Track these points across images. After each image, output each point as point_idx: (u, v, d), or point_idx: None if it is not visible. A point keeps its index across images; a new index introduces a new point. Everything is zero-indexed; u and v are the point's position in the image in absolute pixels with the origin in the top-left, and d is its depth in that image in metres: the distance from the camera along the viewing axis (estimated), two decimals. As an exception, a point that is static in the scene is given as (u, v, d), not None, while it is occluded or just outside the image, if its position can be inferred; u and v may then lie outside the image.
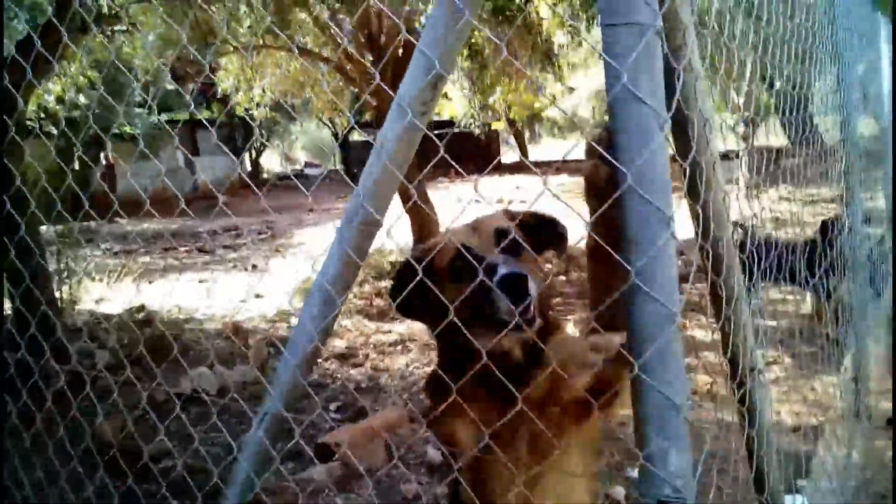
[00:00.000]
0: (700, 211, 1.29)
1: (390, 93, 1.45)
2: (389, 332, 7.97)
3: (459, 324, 1.41)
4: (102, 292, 9.67)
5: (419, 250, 1.69)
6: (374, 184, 1.46)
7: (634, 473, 4.25)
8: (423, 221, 10.54)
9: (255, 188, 9.14)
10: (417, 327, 8.00)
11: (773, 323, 4.81)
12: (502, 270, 1.45)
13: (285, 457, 1.81)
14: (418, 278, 1.44)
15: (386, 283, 9.99)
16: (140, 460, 3.77)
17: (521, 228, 1.66)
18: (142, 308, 8.57)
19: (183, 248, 14.42)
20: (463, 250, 1.51)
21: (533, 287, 1.47)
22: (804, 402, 3.19)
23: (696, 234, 1.44)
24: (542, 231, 1.72)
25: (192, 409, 5.66)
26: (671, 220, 1.08)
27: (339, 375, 6.61)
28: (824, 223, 5.42)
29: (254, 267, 12.45)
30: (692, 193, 1.26)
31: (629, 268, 1.10)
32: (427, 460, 4.62)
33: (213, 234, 16.31)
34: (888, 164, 5.79)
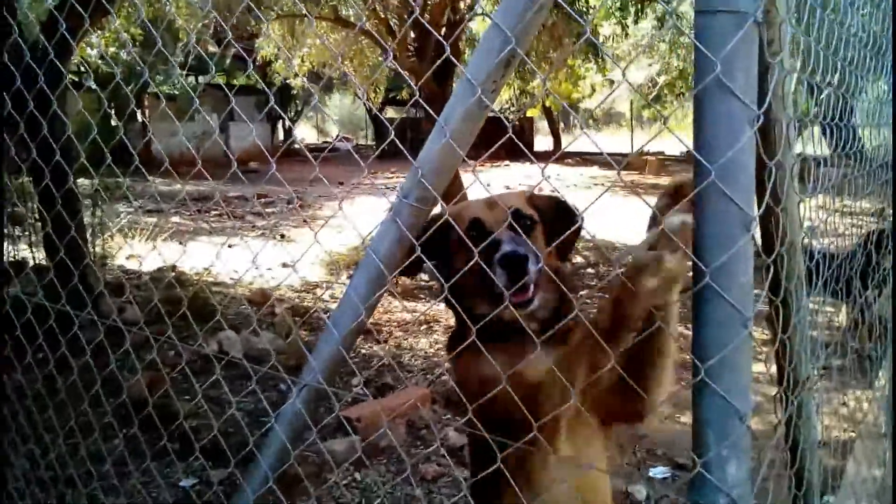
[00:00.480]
0: (780, 215, 1.23)
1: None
2: (414, 311, 7.96)
3: (464, 290, 1.51)
4: (134, 250, 9.78)
5: (437, 216, 1.70)
6: (434, 161, 1.43)
7: (656, 473, 4.22)
8: (451, 201, 10.48)
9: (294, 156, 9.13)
10: (442, 308, 8.00)
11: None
12: (505, 248, 1.49)
13: (306, 426, 1.78)
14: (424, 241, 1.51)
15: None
16: (169, 418, 3.83)
17: (538, 212, 1.70)
18: (174, 267, 8.66)
19: (214, 212, 14.55)
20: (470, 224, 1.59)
21: (533, 268, 1.50)
22: (835, 415, 3.11)
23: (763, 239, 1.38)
24: (558, 217, 1.73)
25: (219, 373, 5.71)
26: (753, 221, 1.04)
27: (362, 350, 6.62)
28: (880, 234, 5.20)
29: (282, 236, 12.52)
30: (773, 197, 1.21)
31: (703, 268, 1.06)
32: (448, 443, 4.62)
33: (242, 200, 16.41)
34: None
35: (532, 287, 1.54)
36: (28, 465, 3.34)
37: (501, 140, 1.32)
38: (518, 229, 1.56)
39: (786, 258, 1.27)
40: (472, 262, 1.41)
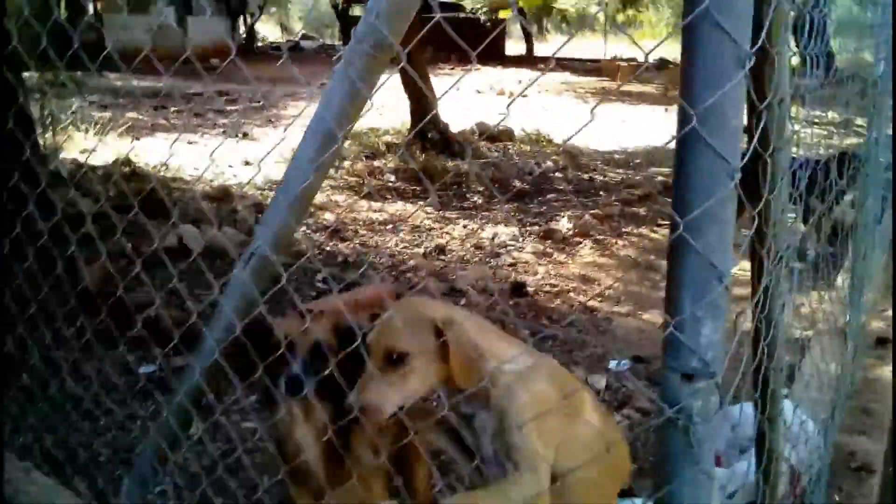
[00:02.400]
0: (769, 160, 1.13)
1: None
2: (381, 210, 7.85)
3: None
4: (88, 143, 9.38)
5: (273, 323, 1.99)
6: (389, 2, 1.27)
7: (614, 366, 4.29)
8: (420, 102, 10.20)
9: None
10: (410, 208, 7.90)
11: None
12: (291, 371, 1.93)
13: (271, 311, 1.73)
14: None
15: (378, 162, 9.79)
16: (123, 308, 3.73)
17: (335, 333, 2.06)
18: (128, 161, 8.34)
19: (173, 109, 13.97)
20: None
21: (308, 390, 1.94)
22: (795, 315, 3.17)
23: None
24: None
25: (178, 267, 5.58)
26: (735, 172, 0.94)
27: (327, 248, 6.53)
28: (842, 155, 5.18)
29: (245, 135, 12.12)
30: (762, 142, 1.11)
31: (690, 110, 0.95)
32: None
33: (203, 98, 15.77)
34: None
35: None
36: None
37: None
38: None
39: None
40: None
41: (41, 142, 7.88)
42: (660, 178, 9.50)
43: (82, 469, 2.93)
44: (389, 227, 7.30)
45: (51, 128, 8.72)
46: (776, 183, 1.38)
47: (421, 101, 10.13)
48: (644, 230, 7.23)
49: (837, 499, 2.83)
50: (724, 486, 2.54)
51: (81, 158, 8.97)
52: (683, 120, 0.96)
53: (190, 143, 10.84)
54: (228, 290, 1.63)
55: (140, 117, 12.77)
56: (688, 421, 1.08)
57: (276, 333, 1.97)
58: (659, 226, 7.33)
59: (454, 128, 10.96)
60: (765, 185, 1.35)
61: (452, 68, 22.30)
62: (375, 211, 7.83)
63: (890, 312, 4.63)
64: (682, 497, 1.12)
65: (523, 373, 1.68)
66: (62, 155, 8.80)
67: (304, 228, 7.07)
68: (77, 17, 17.03)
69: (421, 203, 8.19)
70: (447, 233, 7.08)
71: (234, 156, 9.68)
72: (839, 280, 4.15)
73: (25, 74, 7.39)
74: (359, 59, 1.31)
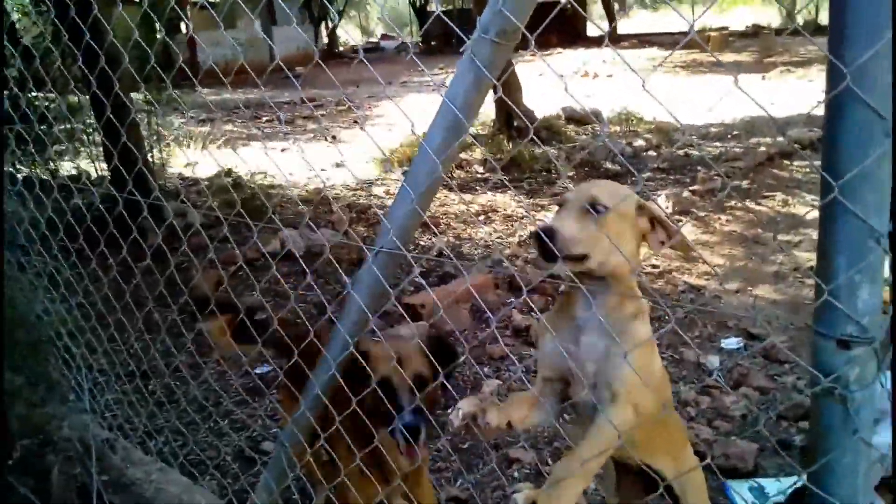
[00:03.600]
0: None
1: None
2: (472, 203, 7.88)
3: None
4: (190, 157, 9.88)
5: (364, 345, 1.99)
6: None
7: (728, 344, 4.14)
8: (506, 93, 10.16)
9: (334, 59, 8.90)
10: (500, 199, 7.89)
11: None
12: (406, 419, 1.93)
13: (384, 293, 1.77)
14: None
15: (466, 154, 9.83)
16: (234, 313, 3.91)
17: (427, 359, 2.06)
18: (230, 172, 8.73)
19: (265, 119, 14.52)
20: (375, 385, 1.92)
21: (423, 436, 1.96)
22: None
23: None
24: (439, 353, 2.07)
25: (281, 269, 5.81)
26: (890, 128, 0.90)
27: (420, 242, 6.62)
28: None
29: (333, 137, 12.44)
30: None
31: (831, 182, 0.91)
32: (514, 324, 4.62)
33: (292, 104, 16.29)
34: None
35: (418, 454, 2.00)
36: (105, 362, 3.47)
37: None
38: (416, 391, 1.97)
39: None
40: (380, 405, 1.91)
41: (150, 158, 8.38)
42: (762, 148, 9.08)
43: (208, 469, 3.09)
44: (481, 218, 7.32)
45: (157, 144, 9.24)
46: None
47: (506, 90, 10.10)
48: (749, 203, 6.93)
49: None
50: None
51: (186, 172, 9.48)
52: (834, 79, 0.92)
53: (283, 150, 11.24)
54: (358, 283, 1.69)
55: (235, 129, 13.35)
56: (845, 389, 1.04)
57: (376, 366, 1.96)
58: (764, 198, 7.01)
59: (539, 114, 10.86)
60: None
61: (533, 54, 22.08)
62: (466, 203, 7.87)
63: None
64: (842, 467, 1.08)
65: (643, 311, 1.68)
66: (169, 169, 9.33)
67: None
68: (173, 37, 17.95)
69: (511, 192, 8.17)
70: (540, 220, 7.03)
71: (324, 159, 9.97)
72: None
73: (133, 94, 7.90)
74: (484, 47, 1.31)
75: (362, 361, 1.87)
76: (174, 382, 3.80)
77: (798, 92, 13.15)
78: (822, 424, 1.08)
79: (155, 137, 9.18)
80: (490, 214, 7.42)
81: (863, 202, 0.95)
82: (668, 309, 4.75)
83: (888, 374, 2.28)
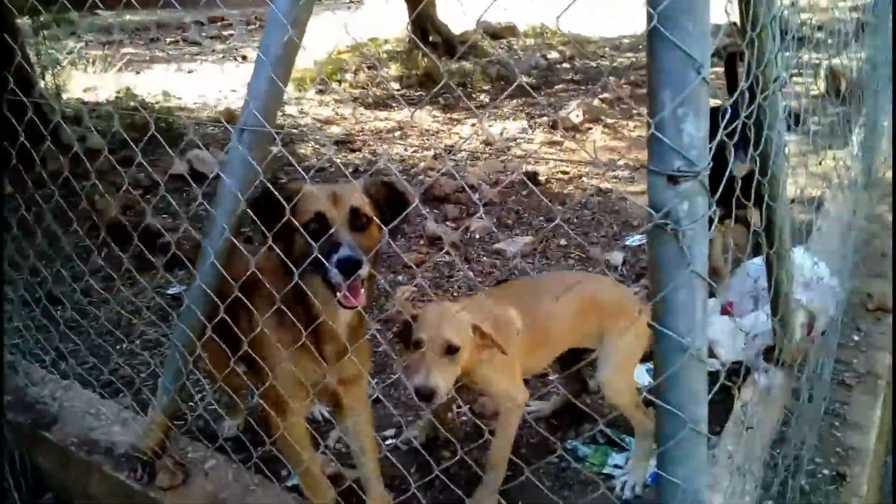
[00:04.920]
0: None
1: None
2: (387, 119, 7.76)
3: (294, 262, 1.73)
4: (88, 82, 9.31)
5: (287, 191, 1.79)
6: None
7: (632, 241, 4.30)
8: (417, 4, 9.88)
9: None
10: (417, 115, 7.79)
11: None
12: (343, 252, 1.67)
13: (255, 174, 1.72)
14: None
15: (377, 72, 9.61)
16: (148, 235, 3.78)
17: (372, 199, 1.86)
18: (131, 94, 8.28)
19: (168, 40, 13.73)
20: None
21: (363, 272, 1.71)
22: (807, 175, 3.13)
23: None
24: (390, 199, 1.89)
25: (191, 191, 5.63)
26: (702, 67, 0.91)
27: (337, 160, 6.51)
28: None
29: (244, 58, 11.92)
30: None
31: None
32: (427, 233, 4.66)
33: (198, 25, 15.43)
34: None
35: (361, 294, 1.76)
36: (10, 290, 3.34)
37: None
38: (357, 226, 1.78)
39: None
40: (311, 248, 1.65)
41: (43, 83, 7.84)
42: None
43: (122, 388, 3.05)
44: (397, 133, 7.24)
45: (50, 69, 8.64)
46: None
47: (418, 3, 9.82)
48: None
49: (856, 339, 2.88)
50: (745, 333, 2.58)
51: (85, 97, 8.93)
52: None
53: (190, 72, 10.71)
54: (227, 170, 1.64)
55: (137, 52, 12.59)
56: (676, 224, 1.08)
57: (304, 203, 1.74)
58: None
59: (455, 29, 10.66)
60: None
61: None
62: (382, 120, 7.75)
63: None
64: (677, 300, 1.13)
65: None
66: (65, 95, 8.77)
67: (311, 143, 7.04)
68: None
69: (428, 108, 8.08)
70: (456, 133, 7.01)
71: (235, 80, 9.56)
72: (853, 138, 4.08)
73: (19, 21, 7.31)
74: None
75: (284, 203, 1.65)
76: (84, 307, 3.69)
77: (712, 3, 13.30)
78: (657, 261, 1.13)
79: (49, 61, 8.59)
80: (406, 130, 7.34)
81: (682, 31, 0.97)
82: (576, 212, 4.88)
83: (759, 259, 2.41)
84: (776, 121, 1.53)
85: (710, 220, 1.11)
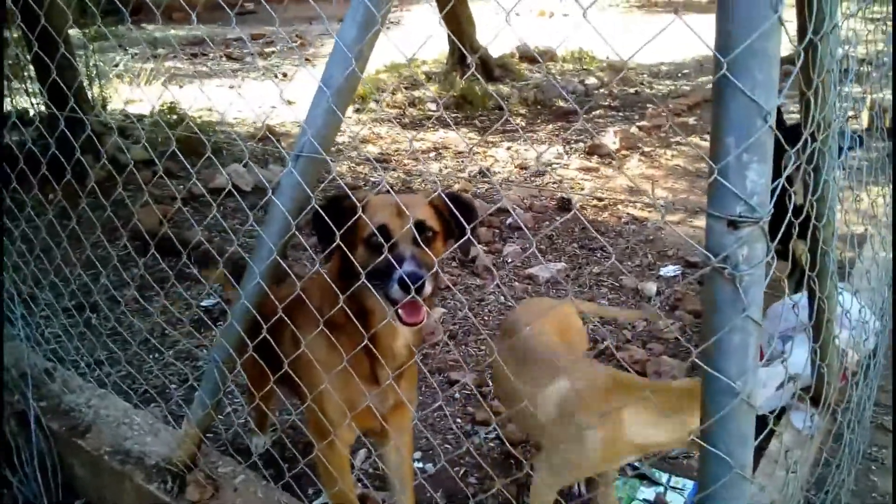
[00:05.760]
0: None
1: None
2: (423, 140, 7.82)
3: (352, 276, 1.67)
4: (133, 94, 9.53)
5: (349, 199, 1.72)
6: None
7: (666, 272, 4.26)
8: (459, 29, 9.98)
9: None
10: (452, 137, 7.84)
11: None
12: (407, 268, 1.60)
13: (306, 199, 1.71)
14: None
15: (418, 92, 9.70)
16: (184, 246, 3.83)
17: (438, 213, 1.79)
18: (173, 108, 8.46)
19: (212, 55, 14.03)
20: (376, 233, 1.68)
21: (428, 288, 1.63)
22: (854, 211, 3.08)
23: None
24: (458, 213, 1.73)
25: (228, 204, 5.72)
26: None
27: (371, 179, 6.57)
28: None
29: (284, 75, 12.11)
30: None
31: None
32: (459, 256, 4.66)
33: (241, 42, 15.74)
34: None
35: (423, 311, 1.68)
36: (52, 295, 3.41)
37: None
38: (420, 242, 1.69)
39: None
40: (373, 262, 1.63)
41: (88, 95, 8.05)
42: (710, 85, 9.16)
43: (155, 397, 3.09)
44: (432, 154, 7.28)
45: (97, 80, 8.88)
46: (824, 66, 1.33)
47: (459, 26, 9.92)
48: (694, 139, 7.04)
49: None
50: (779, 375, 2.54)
51: (128, 109, 9.15)
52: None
53: (231, 87, 10.91)
54: (279, 193, 1.67)
55: (180, 66, 12.88)
56: (734, 269, 1.08)
57: (367, 214, 1.67)
58: (708, 133, 7.11)
59: (493, 52, 10.74)
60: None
61: (488, -7, 21.65)
62: (418, 140, 7.81)
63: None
64: (731, 344, 1.12)
65: None
66: (110, 107, 8.99)
67: (346, 162, 7.12)
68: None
69: (464, 130, 8.12)
70: (491, 156, 7.03)
71: (275, 97, 9.71)
72: (897, 174, 4.01)
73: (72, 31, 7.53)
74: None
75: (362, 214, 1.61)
76: (120, 315, 3.76)
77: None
78: (712, 304, 1.13)
79: (95, 74, 8.83)
80: (441, 151, 7.39)
81: (751, 79, 0.97)
82: (611, 239, 4.85)
83: (803, 298, 2.37)
84: (834, 165, 1.52)
85: (768, 265, 1.10)
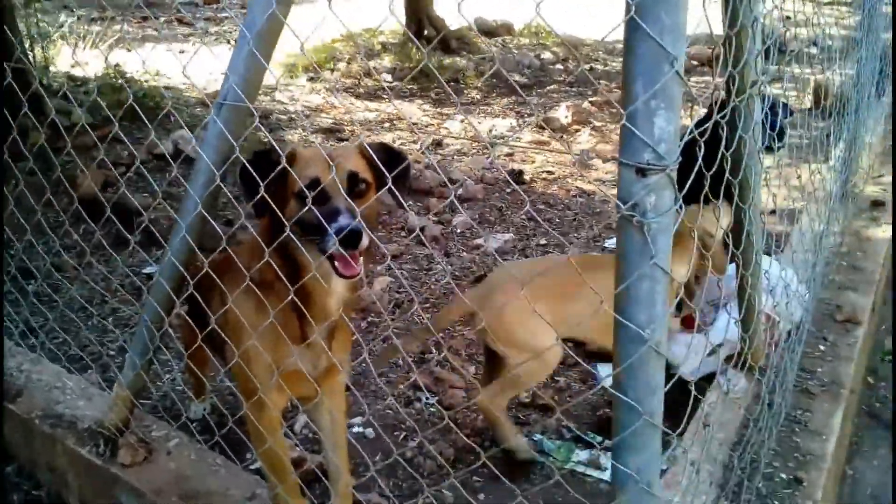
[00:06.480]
0: None
1: None
2: (377, 110, 7.74)
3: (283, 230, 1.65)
4: (77, 57, 9.19)
5: (275, 152, 1.66)
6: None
7: (611, 244, 4.32)
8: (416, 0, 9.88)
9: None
10: (406, 108, 7.77)
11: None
12: (342, 221, 1.57)
13: (231, 148, 1.65)
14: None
15: (374, 63, 9.58)
16: (126, 214, 3.74)
17: (368, 162, 1.75)
18: (120, 71, 8.19)
19: (161, 19, 13.61)
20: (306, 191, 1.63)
21: (366, 241, 1.60)
22: (787, 187, 3.17)
23: None
24: (387, 162, 1.70)
25: (174, 171, 5.58)
26: (676, 60, 0.92)
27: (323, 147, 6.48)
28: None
29: (236, 42, 11.83)
30: None
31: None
32: (408, 225, 4.66)
33: (192, 5, 15.31)
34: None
35: (360, 263, 1.66)
36: None
37: None
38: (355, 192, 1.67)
39: None
40: (305, 217, 1.58)
41: (31, 56, 7.74)
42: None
43: (90, 364, 3.03)
44: (386, 125, 7.22)
45: (40, 42, 8.54)
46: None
47: (416, -2, 9.81)
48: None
49: (822, 349, 2.91)
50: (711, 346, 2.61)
51: (73, 72, 8.83)
52: None
53: (181, 52, 10.61)
54: (203, 145, 1.63)
55: (129, 29, 12.47)
56: (642, 217, 1.09)
57: (297, 167, 1.63)
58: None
59: (451, 24, 10.65)
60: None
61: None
62: (372, 111, 7.73)
63: (886, 178, 4.61)
64: (639, 292, 1.14)
65: None
66: (53, 69, 8.66)
67: (300, 130, 7.01)
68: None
69: (419, 101, 8.06)
70: (445, 128, 7.00)
71: (227, 63, 9.49)
72: (834, 152, 4.14)
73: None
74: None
75: (287, 167, 1.57)
76: (58, 282, 3.66)
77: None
78: (622, 252, 1.14)
79: (38, 34, 8.48)
80: (396, 122, 7.32)
81: (658, 23, 0.98)
82: (558, 212, 4.90)
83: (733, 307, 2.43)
84: (751, 124, 1.55)
85: (677, 214, 1.12)
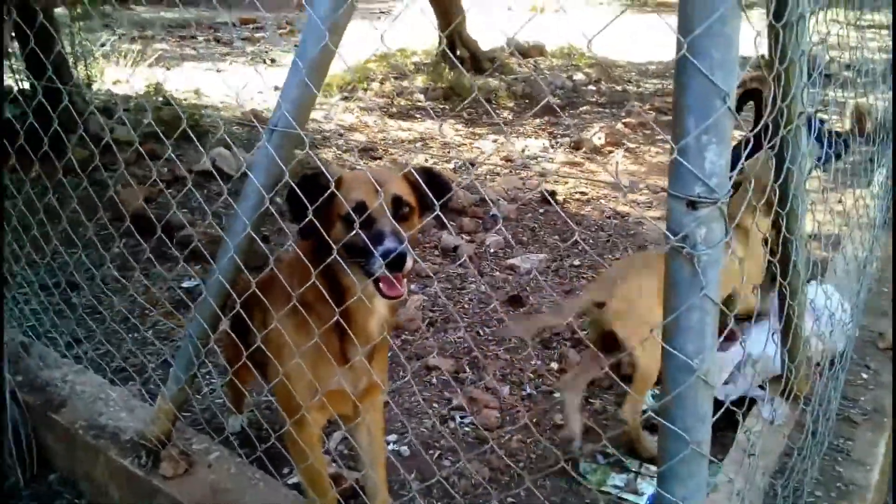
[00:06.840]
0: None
1: None
2: (410, 130, 7.82)
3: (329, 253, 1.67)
4: (119, 75, 9.45)
5: (323, 176, 1.72)
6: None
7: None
8: (448, 18, 9.97)
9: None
10: (436, 126, 7.85)
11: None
12: (388, 244, 1.61)
13: (282, 173, 1.71)
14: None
15: (407, 83, 9.69)
16: (167, 228, 3.83)
17: (413, 188, 1.79)
18: (159, 89, 8.40)
19: (201, 38, 13.93)
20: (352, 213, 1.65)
21: (410, 263, 1.64)
22: (829, 212, 3.14)
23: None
24: (432, 189, 1.76)
25: (212, 187, 5.70)
26: (727, 96, 0.94)
27: (358, 166, 6.57)
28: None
29: (272, 61, 12.06)
30: None
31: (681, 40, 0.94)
32: (442, 244, 4.69)
33: (231, 26, 15.63)
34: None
35: (404, 284, 1.69)
36: (30, 272, 3.40)
37: None
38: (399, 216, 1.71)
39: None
40: (351, 239, 1.62)
41: (74, 74, 7.97)
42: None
43: (133, 375, 3.09)
44: (419, 144, 7.29)
45: (84, 60, 8.79)
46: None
47: (449, 18, 9.90)
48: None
49: (865, 377, 2.87)
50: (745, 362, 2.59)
51: (114, 90, 9.07)
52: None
53: (219, 71, 10.84)
54: (254, 168, 1.68)
55: (168, 48, 12.78)
56: (693, 249, 1.11)
57: (343, 191, 1.66)
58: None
59: (484, 45, 10.74)
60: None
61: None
62: (405, 130, 7.81)
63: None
64: (689, 322, 1.15)
65: None
66: (95, 87, 8.91)
67: (334, 149, 7.11)
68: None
69: (451, 121, 8.13)
70: (477, 148, 7.05)
71: (263, 82, 9.67)
72: (875, 177, 4.08)
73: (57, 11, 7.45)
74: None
75: (335, 191, 1.61)
76: (101, 294, 3.75)
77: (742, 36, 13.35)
78: (671, 283, 1.16)
79: (81, 53, 8.74)
80: (428, 142, 7.40)
81: (709, 60, 1.00)
82: (592, 233, 4.89)
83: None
84: (798, 155, 1.55)
85: (727, 246, 1.13)
